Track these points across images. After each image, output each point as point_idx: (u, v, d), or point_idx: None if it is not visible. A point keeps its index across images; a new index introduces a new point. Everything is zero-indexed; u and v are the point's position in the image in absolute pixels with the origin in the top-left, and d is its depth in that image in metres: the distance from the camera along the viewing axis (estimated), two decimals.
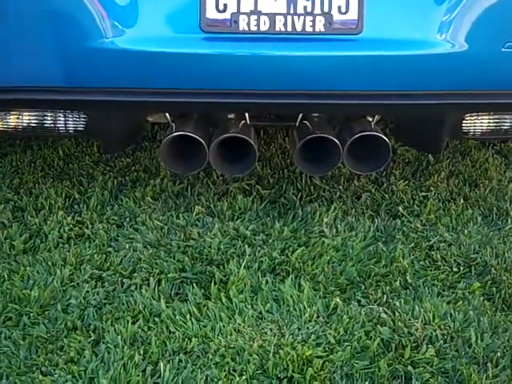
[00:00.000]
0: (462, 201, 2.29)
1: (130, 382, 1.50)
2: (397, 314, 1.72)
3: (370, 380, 1.53)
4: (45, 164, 2.49)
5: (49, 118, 2.06)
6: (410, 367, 1.56)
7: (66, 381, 1.51)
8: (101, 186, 2.34)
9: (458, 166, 2.53)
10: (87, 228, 2.11)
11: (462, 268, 1.94)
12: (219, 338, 1.64)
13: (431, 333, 1.66)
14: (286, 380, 1.52)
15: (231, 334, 1.65)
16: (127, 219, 2.16)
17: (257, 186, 2.35)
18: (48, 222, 2.12)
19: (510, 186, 2.41)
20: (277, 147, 2.61)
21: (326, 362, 1.57)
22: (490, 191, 2.36)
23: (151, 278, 1.86)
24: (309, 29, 1.75)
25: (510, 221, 2.18)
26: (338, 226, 2.12)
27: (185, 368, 1.55)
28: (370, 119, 2.08)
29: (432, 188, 2.36)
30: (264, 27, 1.75)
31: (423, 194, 2.32)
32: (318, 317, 1.72)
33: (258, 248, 2.00)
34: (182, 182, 2.36)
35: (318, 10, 1.75)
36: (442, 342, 1.64)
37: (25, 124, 2.07)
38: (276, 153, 2.57)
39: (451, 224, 2.15)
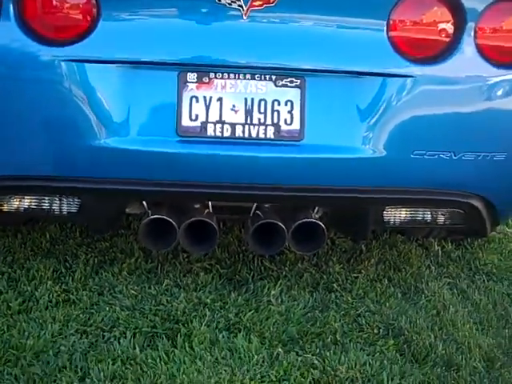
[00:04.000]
0: (386, 281, 2.73)
1: None
2: (326, 361, 2.14)
3: None
4: (34, 245, 2.83)
5: (46, 202, 2.46)
6: None
7: None
8: (84, 262, 2.70)
9: (385, 254, 2.99)
10: (72, 294, 2.46)
11: (381, 331, 2.37)
12: (183, 375, 2.03)
13: (352, 375, 2.08)
14: None
15: (193, 373, 2.04)
16: (107, 288, 2.53)
17: (216, 265, 2.74)
18: (39, 290, 2.46)
19: (426, 271, 2.85)
20: (234, 236, 3.04)
21: None
22: (411, 274, 2.81)
23: (128, 332, 2.24)
24: (261, 135, 2.19)
25: (423, 297, 2.62)
26: (283, 297, 2.53)
27: None
28: (311, 210, 2.51)
29: (363, 271, 2.80)
30: (227, 133, 2.18)
31: (355, 275, 2.75)
32: (263, 362, 2.12)
33: (217, 312, 2.40)
34: (153, 262, 2.75)
35: (269, 121, 2.18)
36: (360, 382, 2.06)
37: (25, 206, 2.47)
38: (233, 241, 2.99)
39: (376, 298, 2.59)
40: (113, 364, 2.07)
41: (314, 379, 2.05)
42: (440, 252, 3.07)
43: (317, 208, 2.53)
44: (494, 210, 2.47)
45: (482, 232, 2.60)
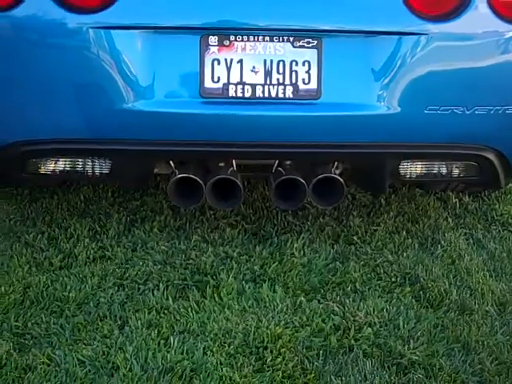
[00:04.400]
0: (404, 233, 2.85)
1: (148, 350, 2.04)
2: (346, 308, 2.28)
3: (324, 350, 2.09)
4: (70, 205, 3.00)
5: (80, 164, 2.60)
6: (353, 341, 2.11)
7: (103, 349, 2.05)
8: (116, 221, 2.86)
9: (404, 207, 3.10)
10: (108, 251, 2.63)
11: (398, 279, 2.50)
12: (213, 323, 2.19)
13: (370, 320, 2.21)
14: (261, 348, 2.07)
15: (222, 321, 2.19)
16: (139, 245, 2.69)
17: (242, 221, 2.89)
18: (77, 247, 2.64)
19: (443, 222, 2.96)
20: (258, 193, 3.17)
21: (292, 338, 2.11)
22: (428, 226, 2.93)
23: (160, 284, 2.40)
24: (281, 95, 2.30)
25: (439, 247, 2.74)
26: (306, 250, 2.67)
27: (188, 341, 2.09)
28: (331, 165, 2.62)
29: (381, 223, 2.92)
30: (247, 94, 2.29)
31: (374, 227, 2.88)
32: (287, 309, 2.27)
33: (243, 264, 2.55)
34: (181, 219, 2.90)
35: (287, 81, 2.29)
36: (378, 326, 2.19)
37: (60, 168, 2.62)
38: (258, 198, 3.13)
39: (394, 249, 2.71)
40: (148, 313, 2.23)
41: (334, 324, 2.19)
42: (458, 204, 3.18)
43: (336, 164, 2.64)
44: (506, 162, 2.56)
45: (496, 183, 2.69)
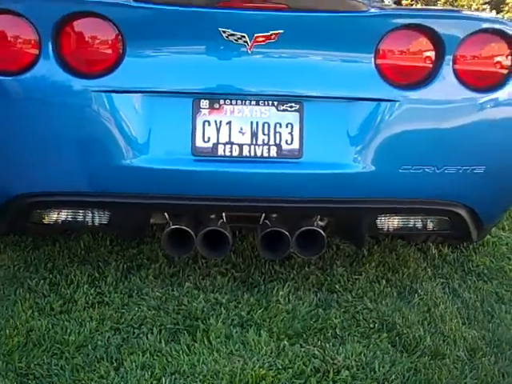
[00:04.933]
0: (384, 282, 3.03)
1: None
2: (326, 352, 2.45)
3: None
4: (70, 253, 3.20)
5: (80, 215, 2.79)
6: (331, 383, 2.29)
7: None
8: (114, 268, 3.05)
9: (385, 257, 3.30)
10: (106, 296, 2.81)
11: (376, 325, 2.67)
12: (202, 365, 2.36)
13: (348, 363, 2.38)
14: None
15: (211, 363, 2.36)
16: (135, 291, 2.86)
17: (232, 269, 3.08)
18: (77, 293, 2.81)
19: (422, 272, 3.15)
20: (248, 243, 3.37)
21: (275, 379, 2.28)
22: (407, 276, 3.11)
23: (154, 328, 2.57)
24: (265, 154, 2.49)
25: (417, 295, 2.92)
26: (290, 297, 2.84)
27: (179, 381, 2.25)
28: (314, 218, 2.81)
29: (363, 272, 3.11)
30: (235, 153, 2.49)
31: (356, 276, 3.07)
32: (271, 353, 2.44)
33: (231, 310, 2.72)
34: (175, 267, 3.09)
35: (272, 142, 2.49)
36: (355, 369, 2.36)
37: (63, 218, 2.80)
38: (247, 247, 3.33)
39: (374, 297, 2.89)
40: (142, 356, 2.40)
41: (314, 367, 2.37)
42: (437, 255, 3.38)
43: (319, 217, 2.83)
44: (477, 217, 2.76)
45: (468, 237, 2.86)
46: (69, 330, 2.55)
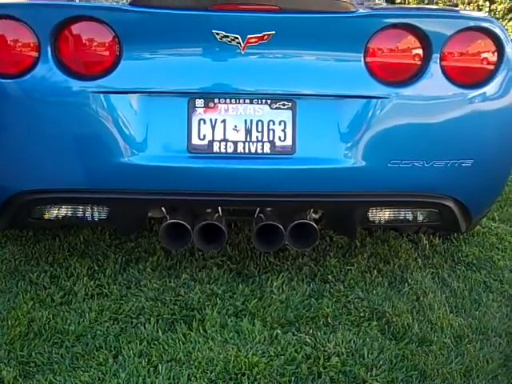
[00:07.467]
0: (375, 272, 3.13)
1: (139, 377, 2.31)
2: (317, 339, 2.54)
3: (295, 376, 2.35)
4: (70, 246, 3.30)
5: (80, 210, 2.87)
6: (321, 369, 2.37)
7: (99, 376, 2.31)
8: (113, 261, 3.15)
9: (377, 248, 3.39)
10: (105, 288, 2.90)
11: (367, 314, 2.76)
12: (198, 353, 2.45)
13: (338, 350, 2.48)
14: (240, 375, 2.33)
15: (205, 351, 2.46)
16: (133, 283, 2.96)
17: (227, 261, 3.17)
18: (77, 285, 2.91)
19: (412, 262, 3.25)
20: (243, 236, 3.47)
21: (267, 366, 2.37)
22: (398, 266, 3.21)
23: (152, 319, 2.66)
24: (259, 151, 2.58)
25: (406, 285, 3.01)
26: (284, 287, 2.94)
27: (175, 368, 2.35)
28: (307, 212, 2.90)
29: (355, 263, 3.21)
30: (230, 150, 2.58)
31: (348, 267, 3.16)
32: (264, 341, 2.54)
33: (226, 300, 2.81)
34: (172, 259, 3.19)
35: (265, 139, 2.58)
36: (345, 355, 2.45)
37: (63, 214, 2.89)
38: (243, 240, 3.42)
39: (365, 287, 2.99)
40: (140, 344, 2.49)
41: (305, 354, 2.46)
42: (428, 246, 3.47)
43: (312, 210, 2.93)
44: (465, 209, 2.85)
45: (456, 228, 2.95)
46: (69, 321, 2.64)
